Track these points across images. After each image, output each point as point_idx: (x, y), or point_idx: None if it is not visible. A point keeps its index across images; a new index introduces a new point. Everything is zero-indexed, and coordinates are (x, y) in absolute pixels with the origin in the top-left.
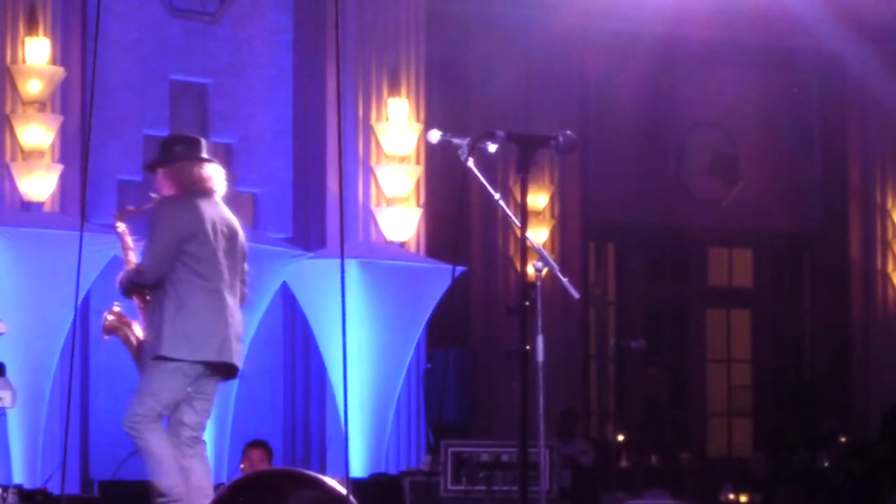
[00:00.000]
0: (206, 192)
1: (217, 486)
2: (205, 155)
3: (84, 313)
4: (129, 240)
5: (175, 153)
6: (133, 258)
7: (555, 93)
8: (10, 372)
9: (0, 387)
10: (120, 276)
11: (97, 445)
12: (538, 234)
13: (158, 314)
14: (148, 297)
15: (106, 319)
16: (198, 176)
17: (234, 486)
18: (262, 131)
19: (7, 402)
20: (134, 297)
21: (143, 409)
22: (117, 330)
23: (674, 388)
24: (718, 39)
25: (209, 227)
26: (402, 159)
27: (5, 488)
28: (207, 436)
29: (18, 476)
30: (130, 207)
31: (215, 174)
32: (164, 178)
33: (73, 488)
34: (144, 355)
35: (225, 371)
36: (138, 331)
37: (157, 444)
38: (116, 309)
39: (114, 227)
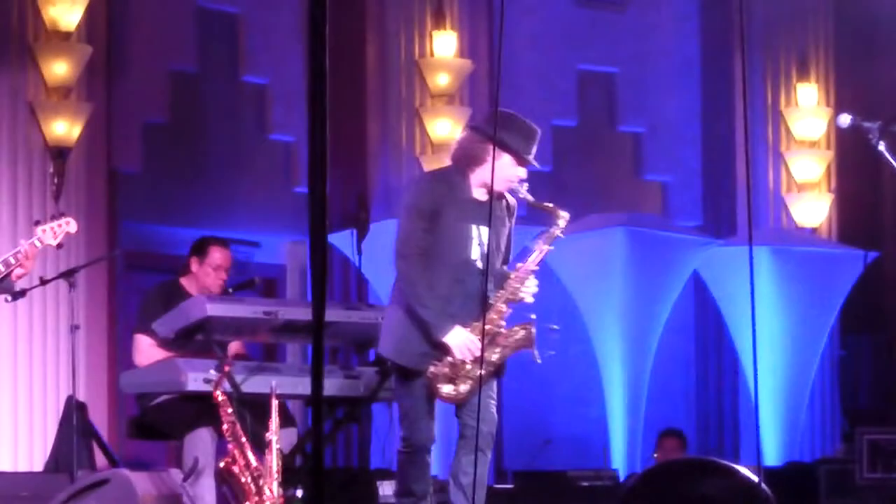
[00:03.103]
0: None
1: (630, 475)
2: None
3: None
4: None
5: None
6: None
7: None
8: None
9: None
10: None
11: (511, 436)
12: None
13: None
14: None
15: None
16: None
17: (647, 473)
18: (670, 119)
19: None
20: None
21: None
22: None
23: None
24: None
25: None
26: (813, 144)
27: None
28: (621, 423)
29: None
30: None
31: None
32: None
33: (488, 478)
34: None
35: None
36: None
37: None
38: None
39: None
